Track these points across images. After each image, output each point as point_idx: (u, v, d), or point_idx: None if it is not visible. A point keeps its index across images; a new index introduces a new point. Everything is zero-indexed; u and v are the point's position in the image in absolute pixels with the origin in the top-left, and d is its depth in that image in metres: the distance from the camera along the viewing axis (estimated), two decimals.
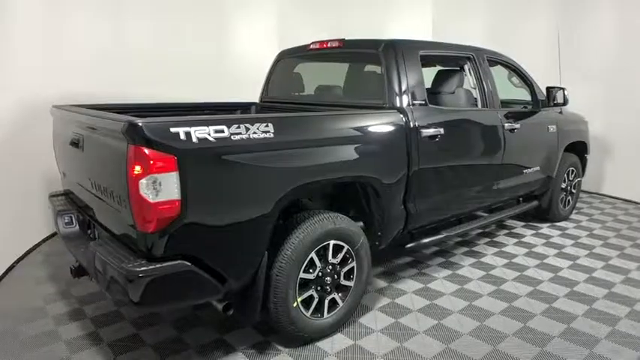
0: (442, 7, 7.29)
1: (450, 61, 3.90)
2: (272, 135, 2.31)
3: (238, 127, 2.20)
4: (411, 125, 3.04)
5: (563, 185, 4.95)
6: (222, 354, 2.60)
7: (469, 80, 3.81)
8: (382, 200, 2.94)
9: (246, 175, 2.24)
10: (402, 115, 3.01)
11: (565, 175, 4.93)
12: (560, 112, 4.76)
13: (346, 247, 2.75)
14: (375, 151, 2.85)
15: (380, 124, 2.90)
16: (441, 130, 3.23)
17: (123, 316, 2.96)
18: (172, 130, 2.02)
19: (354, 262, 2.81)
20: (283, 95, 4.07)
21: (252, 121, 2.26)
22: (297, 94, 4.01)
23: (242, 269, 2.34)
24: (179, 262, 2.08)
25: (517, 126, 3.98)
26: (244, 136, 2.21)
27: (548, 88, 4.31)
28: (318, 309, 2.69)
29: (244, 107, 4.17)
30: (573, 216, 5.27)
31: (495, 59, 4.11)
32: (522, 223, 5.02)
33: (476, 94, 3.79)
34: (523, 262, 3.91)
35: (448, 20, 7.07)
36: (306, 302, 2.63)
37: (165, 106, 3.74)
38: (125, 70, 4.61)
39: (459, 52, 3.78)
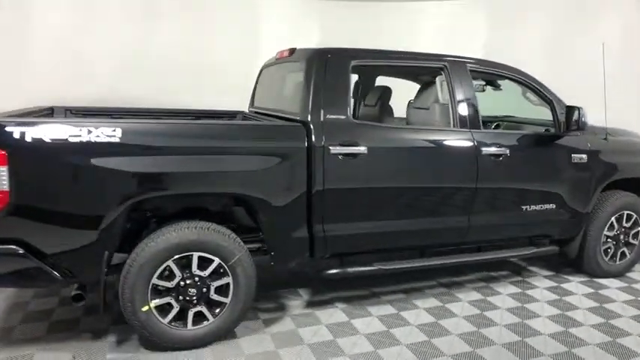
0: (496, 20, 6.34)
1: (414, 72, 3.42)
2: (118, 140, 2.40)
3: (80, 130, 2.34)
4: (316, 142, 2.78)
5: (610, 232, 3.88)
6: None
7: (439, 95, 3.29)
8: (270, 220, 2.76)
9: (83, 174, 2.37)
10: (302, 130, 2.78)
11: (614, 220, 3.87)
12: (605, 138, 3.76)
13: (217, 260, 2.66)
14: (255, 167, 2.67)
15: (264, 139, 2.74)
16: (363, 149, 2.88)
17: None
18: (7, 129, 2.26)
19: (230, 278, 2.70)
20: (264, 104, 4.07)
21: (98, 126, 2.38)
22: (270, 102, 3.97)
23: (79, 265, 2.46)
24: (9, 246, 2.31)
25: (504, 152, 3.29)
26: (84, 139, 2.34)
27: (568, 108, 3.44)
28: (180, 319, 2.67)
29: (231, 115, 4.29)
30: (634, 274, 4.09)
31: (485, 71, 3.47)
32: (548, 272, 4.09)
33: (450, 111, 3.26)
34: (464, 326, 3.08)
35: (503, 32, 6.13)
36: (166, 310, 2.63)
37: (149, 111, 4.05)
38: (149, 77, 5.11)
39: (420, 62, 3.30)
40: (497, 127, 4.18)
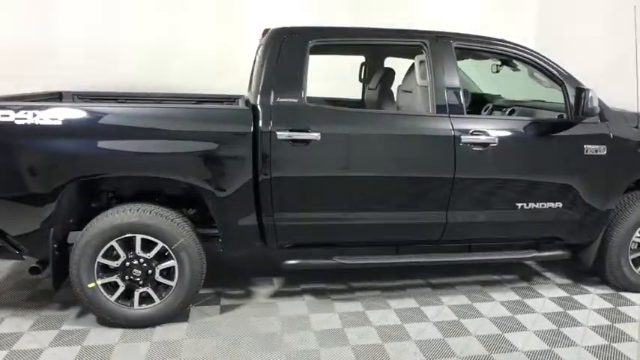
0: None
1: (390, 51, 3.09)
2: (60, 123, 2.49)
3: (25, 113, 2.47)
4: (263, 127, 2.66)
5: (638, 240, 3.26)
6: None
7: (417, 77, 2.95)
8: (217, 206, 2.71)
9: (27, 155, 2.50)
10: (248, 114, 2.66)
11: None
12: (637, 126, 3.13)
13: (160, 244, 2.68)
14: (199, 153, 2.62)
15: (208, 124, 2.66)
16: (316, 136, 2.69)
17: None
18: None
19: (175, 262, 2.71)
20: (250, 87, 3.99)
21: (43, 109, 2.50)
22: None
23: (29, 241, 2.62)
24: None
25: (491, 141, 2.88)
26: (29, 122, 2.47)
27: (576, 90, 2.90)
28: (128, 298, 2.74)
29: (231, 100, 4.28)
30: None
31: (477, 48, 3.04)
32: (564, 281, 3.56)
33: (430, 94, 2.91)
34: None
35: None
36: (113, 288, 2.72)
37: (154, 96, 4.17)
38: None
39: (396, 39, 2.97)
40: (511, 113, 3.68)
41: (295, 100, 2.73)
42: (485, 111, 4.02)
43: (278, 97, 2.72)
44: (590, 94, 2.81)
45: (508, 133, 2.96)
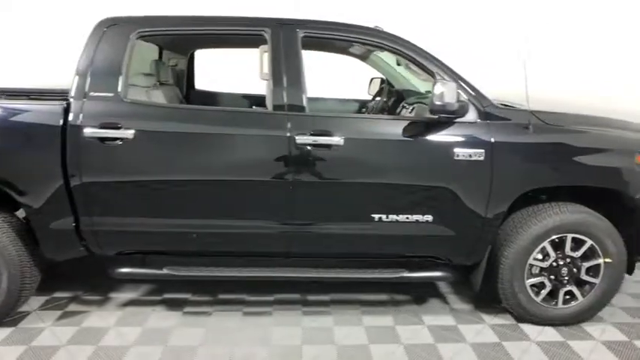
0: None
1: (233, 41, 2.77)
2: None
3: None
4: (72, 122, 2.47)
5: (542, 262, 2.73)
6: None
7: (260, 70, 2.62)
8: (29, 208, 2.54)
9: None
10: (56, 109, 2.47)
11: (548, 245, 2.70)
12: (527, 127, 2.60)
13: None
14: (7, 149, 2.47)
15: (16, 119, 2.50)
16: (130, 134, 2.46)
17: None
18: None
19: None
20: None
21: None
22: None
23: None
24: None
25: (335, 142, 2.51)
26: None
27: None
28: None
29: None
30: (592, 326, 2.82)
31: (333, 37, 2.67)
32: (465, 306, 3.06)
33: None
34: None
35: None
36: None
37: None
38: None
39: (234, 28, 2.67)
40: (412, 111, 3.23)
41: (110, 95, 2.52)
42: (403, 109, 3.60)
43: (91, 91, 2.52)
44: (445, 88, 2.36)
45: (359, 134, 2.57)
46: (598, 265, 2.75)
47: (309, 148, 2.51)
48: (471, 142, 2.56)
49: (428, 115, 2.55)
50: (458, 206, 2.61)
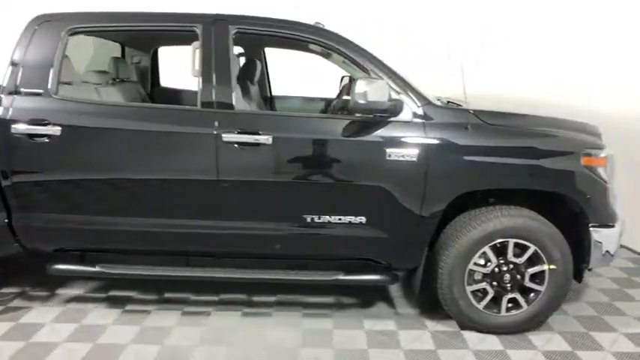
0: None
1: (167, 38, 2.75)
2: None
3: None
4: (1, 117, 2.47)
5: (483, 268, 2.62)
6: None
7: (192, 66, 2.59)
8: None
9: None
10: None
11: (488, 250, 2.59)
12: (467, 127, 2.50)
13: None
14: None
15: None
16: (56, 130, 2.46)
17: None
18: None
19: None
20: None
21: None
22: None
23: None
24: None
25: (263, 140, 2.45)
26: None
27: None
28: None
29: None
30: (538, 336, 2.70)
31: (266, 32, 2.62)
32: (411, 311, 2.97)
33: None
34: None
35: None
36: None
37: None
38: None
39: (165, 24, 2.64)
40: None
41: (40, 91, 2.52)
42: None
43: (22, 87, 2.52)
44: (369, 87, 2.29)
45: (288, 133, 2.52)
46: (543, 272, 2.63)
47: (236, 146, 2.47)
48: (403, 143, 2.48)
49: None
50: (391, 208, 2.53)
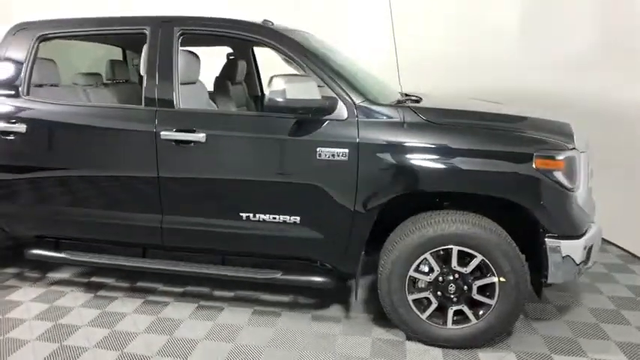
0: None
1: (129, 40, 2.92)
2: None
3: None
4: None
5: (426, 276, 2.46)
6: None
7: (143, 66, 2.69)
8: None
9: None
10: None
11: (430, 258, 2.42)
12: (403, 123, 2.35)
13: None
14: None
15: None
16: (22, 128, 2.72)
17: None
18: None
19: None
20: None
21: None
22: None
23: None
24: None
25: (196, 138, 2.50)
26: None
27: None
28: None
29: None
30: (489, 354, 2.46)
31: (209, 33, 2.70)
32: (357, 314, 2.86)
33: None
34: None
35: None
36: None
37: None
38: None
39: (121, 27, 2.79)
40: None
41: (11, 92, 2.80)
42: None
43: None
44: (288, 85, 2.24)
45: (222, 131, 2.54)
46: (493, 285, 2.41)
47: (173, 143, 2.55)
48: (335, 142, 2.40)
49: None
50: (324, 209, 2.46)
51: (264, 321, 2.82)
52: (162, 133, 2.55)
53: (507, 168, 2.30)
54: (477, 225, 2.37)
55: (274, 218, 2.55)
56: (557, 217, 2.33)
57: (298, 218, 2.52)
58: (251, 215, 2.57)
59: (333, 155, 2.39)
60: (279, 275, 2.66)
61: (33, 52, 2.83)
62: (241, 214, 2.58)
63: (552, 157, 2.28)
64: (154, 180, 2.61)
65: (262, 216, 2.56)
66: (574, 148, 2.39)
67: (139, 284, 3.29)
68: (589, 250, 2.43)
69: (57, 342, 2.59)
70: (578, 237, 2.36)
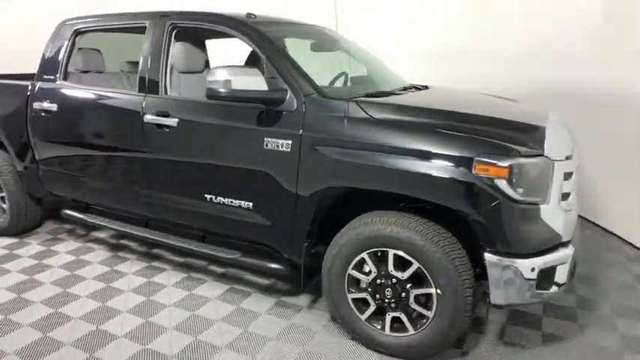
0: None
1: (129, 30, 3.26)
2: None
3: None
4: (30, 96, 3.42)
5: (365, 276, 2.38)
6: None
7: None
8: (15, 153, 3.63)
9: None
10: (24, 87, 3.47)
11: (367, 257, 2.34)
12: (345, 116, 2.27)
13: None
14: None
15: None
16: (54, 107, 3.27)
17: None
18: None
19: None
20: None
21: None
22: None
23: None
24: None
25: (170, 123, 2.75)
26: None
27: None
28: None
29: None
30: None
31: (194, 26, 2.90)
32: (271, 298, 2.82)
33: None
34: None
35: None
36: None
37: None
38: None
39: (130, 22, 3.16)
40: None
41: (52, 77, 3.36)
42: None
43: (43, 75, 3.42)
44: (232, 75, 2.34)
45: (190, 117, 2.74)
46: (431, 296, 2.24)
47: (154, 126, 2.83)
48: (280, 133, 2.44)
49: None
50: (270, 197, 2.53)
51: (231, 298, 2.99)
52: (146, 116, 2.86)
53: (444, 172, 2.09)
54: (414, 230, 2.21)
55: (231, 202, 2.69)
56: (498, 231, 2.06)
57: (251, 204, 2.63)
58: (213, 197, 2.75)
59: (277, 146, 2.44)
60: (238, 256, 2.81)
61: (70, 43, 3.36)
62: (205, 195, 2.77)
63: (494, 164, 2.01)
64: (142, 159, 2.95)
65: (222, 199, 2.72)
66: (540, 155, 2.08)
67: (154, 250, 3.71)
68: (548, 274, 2.10)
69: (144, 317, 2.79)
70: (527, 256, 2.06)
